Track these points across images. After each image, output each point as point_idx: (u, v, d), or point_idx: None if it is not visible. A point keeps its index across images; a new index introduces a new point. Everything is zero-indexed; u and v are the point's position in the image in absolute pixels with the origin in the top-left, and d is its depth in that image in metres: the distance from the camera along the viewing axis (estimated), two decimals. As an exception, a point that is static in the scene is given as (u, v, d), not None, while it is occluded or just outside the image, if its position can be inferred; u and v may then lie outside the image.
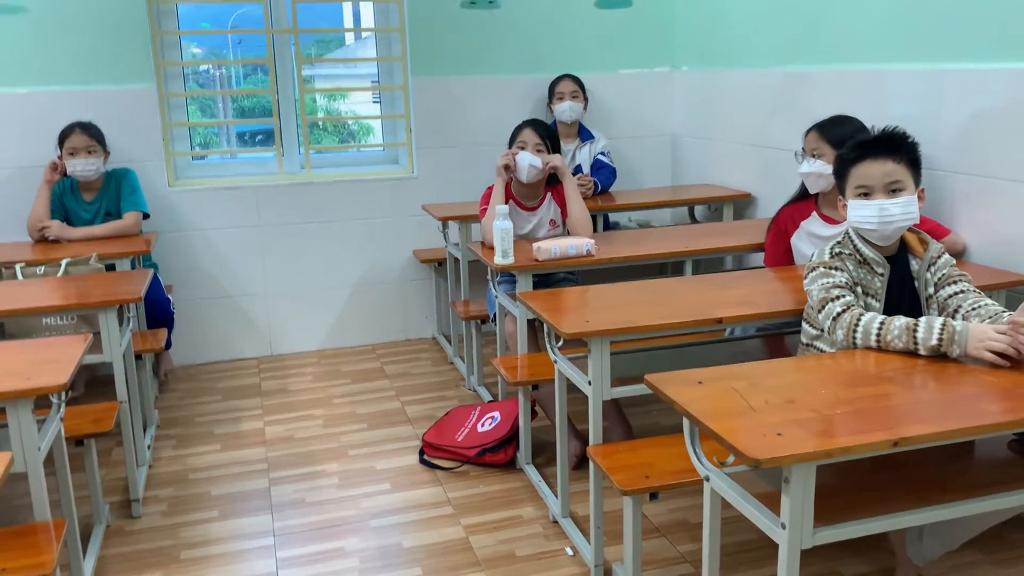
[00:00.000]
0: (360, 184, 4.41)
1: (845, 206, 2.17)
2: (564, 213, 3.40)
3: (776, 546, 1.59)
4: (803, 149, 2.92)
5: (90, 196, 3.78)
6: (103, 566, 2.57)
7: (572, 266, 3.09)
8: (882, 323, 1.96)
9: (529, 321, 3.04)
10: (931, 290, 2.14)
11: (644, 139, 4.74)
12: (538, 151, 3.30)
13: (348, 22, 5.25)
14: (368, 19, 4.75)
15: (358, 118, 5.86)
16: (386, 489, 2.99)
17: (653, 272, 3.83)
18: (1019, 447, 1.97)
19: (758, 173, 4.04)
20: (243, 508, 2.90)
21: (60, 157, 3.68)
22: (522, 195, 3.42)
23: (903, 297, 2.14)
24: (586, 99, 4.31)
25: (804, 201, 2.97)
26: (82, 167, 3.65)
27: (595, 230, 3.58)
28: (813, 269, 2.17)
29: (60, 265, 3.15)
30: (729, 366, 1.93)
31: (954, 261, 2.19)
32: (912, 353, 1.93)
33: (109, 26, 3.96)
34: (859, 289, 2.13)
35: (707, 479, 1.82)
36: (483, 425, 3.19)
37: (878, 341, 1.96)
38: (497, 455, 3.10)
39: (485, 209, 3.31)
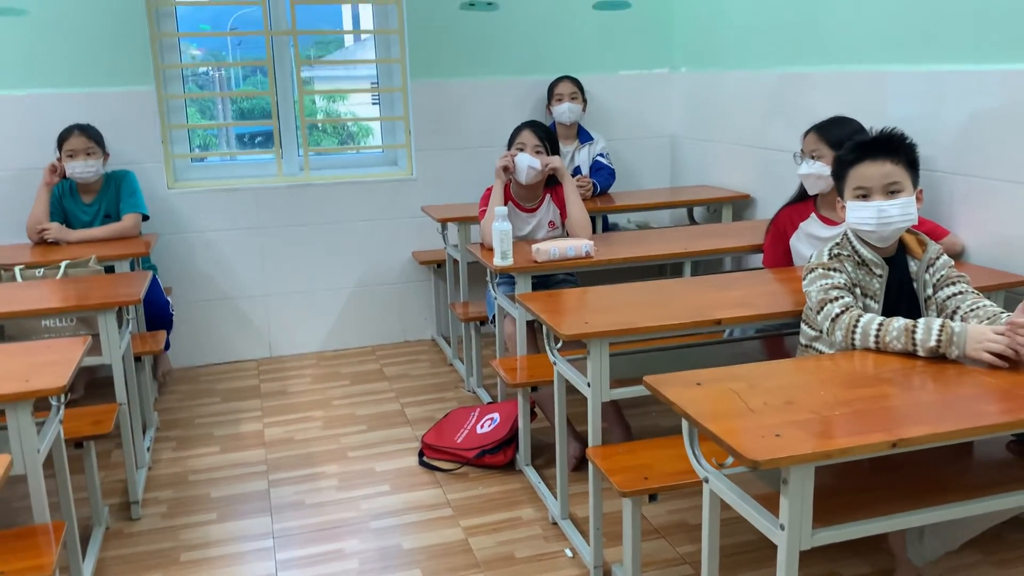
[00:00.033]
0: (359, 186, 4.42)
1: (843, 207, 2.17)
2: (563, 215, 3.40)
3: (775, 547, 1.59)
4: (802, 150, 2.93)
5: (89, 198, 3.78)
6: (102, 568, 2.57)
7: (571, 267, 3.09)
8: (881, 324, 1.96)
9: (528, 322, 3.04)
10: (930, 291, 2.15)
11: (643, 140, 4.75)
12: (537, 153, 3.30)
13: (347, 24, 5.26)
14: (367, 21, 4.75)
15: (357, 120, 5.86)
16: (385, 491, 2.99)
17: (652, 273, 3.83)
18: (1018, 448, 1.97)
19: (757, 174, 4.04)
20: (243, 510, 2.90)
21: (59, 159, 3.68)
22: (521, 197, 3.42)
23: (902, 298, 2.15)
24: (585, 101, 4.31)
25: (803, 202, 2.97)
26: (81, 169, 3.65)
27: (594, 231, 3.58)
28: (812, 270, 2.17)
29: (59, 267, 3.15)
30: (728, 367, 1.93)
31: (953, 262, 2.19)
32: (911, 354, 1.93)
33: (108, 28, 3.96)
34: (858, 290, 2.13)
35: (706, 480, 1.82)
36: (482, 427, 3.20)
37: (877, 342, 1.96)
38: (496, 457, 3.10)
39: (484, 211, 3.31)
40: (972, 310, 2.04)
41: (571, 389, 2.51)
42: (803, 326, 2.28)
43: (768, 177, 3.93)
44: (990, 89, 2.70)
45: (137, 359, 3.20)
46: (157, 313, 3.68)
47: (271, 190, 4.31)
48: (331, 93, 5.70)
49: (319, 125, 5.49)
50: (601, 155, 4.32)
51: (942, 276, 2.14)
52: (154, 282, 3.59)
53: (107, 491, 3.01)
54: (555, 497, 2.75)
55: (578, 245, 3.01)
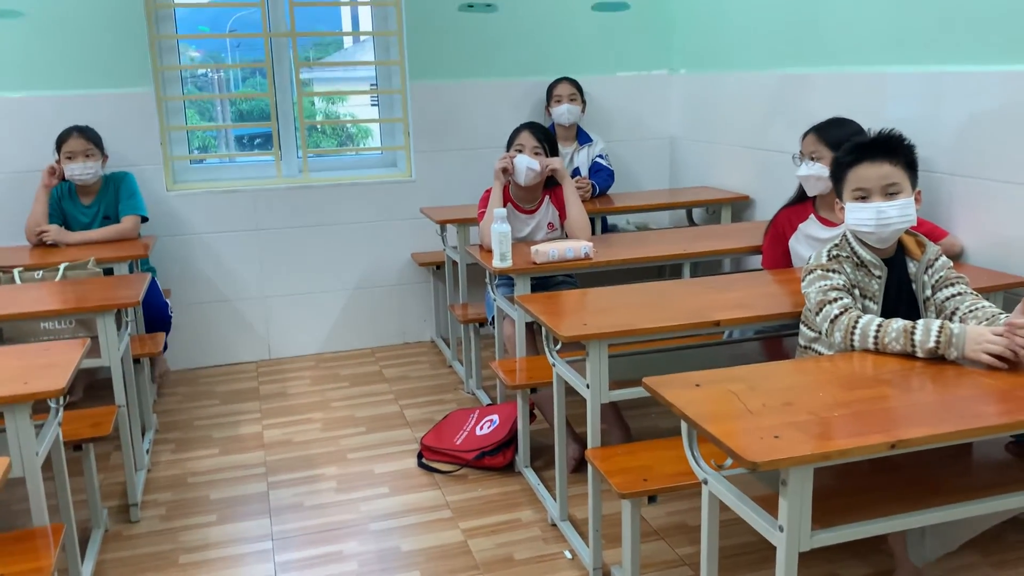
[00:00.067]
0: (358, 187, 4.42)
1: (842, 209, 2.17)
2: (562, 216, 3.41)
3: (774, 549, 1.59)
4: (801, 152, 2.93)
5: (88, 200, 3.78)
6: (101, 571, 2.56)
7: (570, 269, 3.09)
8: (880, 325, 1.96)
9: (527, 324, 3.04)
10: (928, 292, 2.15)
11: (642, 142, 4.75)
12: (536, 154, 3.31)
13: (346, 25, 5.26)
14: (366, 22, 4.75)
15: (356, 122, 5.86)
16: (385, 493, 2.99)
17: (651, 275, 3.83)
18: (1017, 449, 1.97)
19: (756, 176, 4.04)
20: (242, 512, 2.89)
21: (58, 161, 3.68)
22: (520, 198, 3.42)
23: (901, 299, 2.15)
24: (584, 102, 4.31)
25: (802, 204, 2.97)
26: (80, 171, 3.65)
27: (593, 233, 3.58)
28: (811, 272, 2.17)
29: (58, 269, 3.15)
30: (727, 369, 1.93)
31: (951, 263, 2.19)
32: (910, 355, 1.93)
33: (107, 30, 3.96)
34: (857, 291, 2.13)
35: (705, 482, 1.82)
36: (482, 428, 3.19)
37: (876, 343, 1.96)
38: (496, 458, 3.10)
39: (483, 212, 3.31)
40: (971, 311, 2.04)
41: (570, 391, 2.51)
42: (802, 327, 2.28)
43: (767, 178, 3.93)
44: (989, 90, 2.70)
45: (136, 361, 3.20)
46: (156, 315, 3.67)
47: (270, 192, 4.31)
48: (330, 95, 5.69)
49: (318, 127, 5.49)
50: (600, 156, 4.33)
51: (941, 277, 2.14)
52: (153, 284, 3.58)
53: (106, 493, 3.01)
54: (554, 499, 2.75)
55: (577, 246, 3.01)
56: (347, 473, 3.15)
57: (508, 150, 3.37)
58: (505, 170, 3.30)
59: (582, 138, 4.34)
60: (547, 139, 3.36)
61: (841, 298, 2.07)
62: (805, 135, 2.93)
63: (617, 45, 4.60)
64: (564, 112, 4.23)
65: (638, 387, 1.91)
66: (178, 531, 2.78)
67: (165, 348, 3.84)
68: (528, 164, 3.27)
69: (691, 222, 4.49)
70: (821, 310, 2.08)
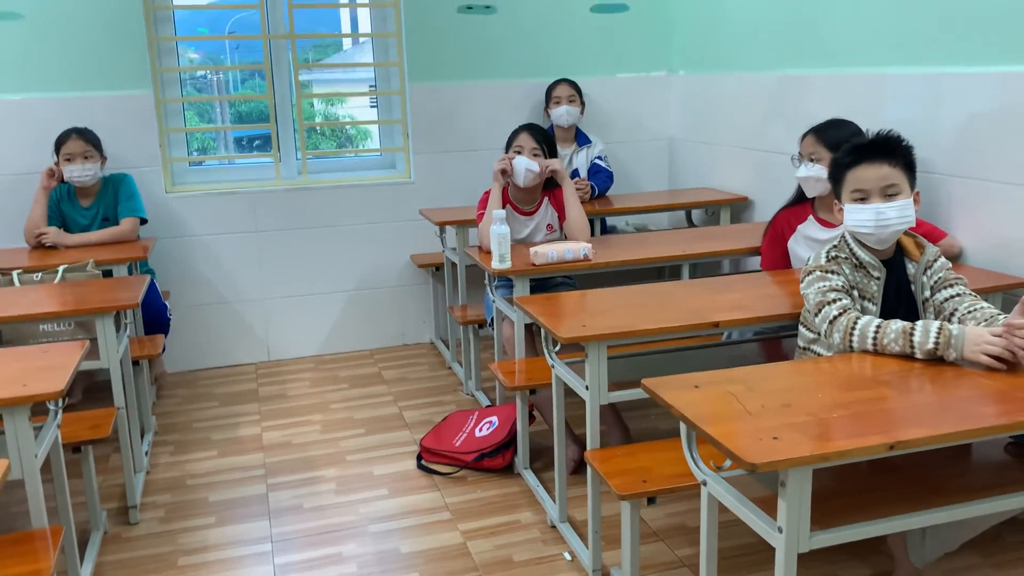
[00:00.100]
0: (357, 189, 4.42)
1: (841, 210, 2.17)
2: (561, 217, 3.41)
3: (774, 550, 1.59)
4: (800, 153, 2.93)
5: (87, 202, 3.78)
6: (100, 573, 2.56)
7: (569, 270, 3.09)
8: (878, 327, 1.96)
9: (527, 325, 3.04)
10: (927, 293, 2.15)
11: (641, 143, 4.75)
12: (535, 155, 3.31)
13: (345, 27, 5.25)
14: (365, 24, 4.75)
15: (355, 123, 5.86)
16: (384, 494, 2.99)
17: (650, 276, 3.83)
18: (1016, 450, 1.97)
19: (755, 177, 4.04)
20: (241, 514, 2.89)
21: (57, 163, 3.68)
22: (519, 199, 3.42)
23: (899, 300, 2.15)
24: (583, 103, 4.31)
25: (801, 205, 2.97)
26: (79, 173, 3.65)
27: (592, 234, 3.58)
28: (809, 273, 2.17)
29: (57, 271, 3.15)
30: (726, 370, 1.92)
31: (950, 264, 2.19)
32: (909, 356, 1.93)
33: (106, 32, 3.96)
34: (855, 293, 2.13)
35: (704, 483, 1.82)
36: (481, 430, 3.19)
37: (875, 345, 1.96)
38: (495, 460, 3.10)
39: (482, 214, 3.31)
40: (969, 312, 2.04)
41: (569, 392, 2.50)
42: (801, 328, 2.28)
43: (766, 180, 3.93)
44: (988, 91, 2.71)
45: (135, 363, 3.20)
46: (155, 317, 3.67)
47: (269, 193, 4.31)
48: (329, 96, 5.69)
49: (317, 128, 5.49)
50: (599, 158, 4.33)
51: (940, 278, 2.14)
52: (152, 286, 3.59)
53: (105, 495, 3.01)
54: (553, 500, 2.75)
55: (576, 248, 3.01)
56: (346, 475, 3.15)
57: (507, 152, 3.37)
58: (504, 172, 3.30)
59: (581, 140, 4.35)
60: (546, 141, 3.36)
61: (840, 299, 2.07)
62: (804, 136, 2.93)
63: (616, 46, 4.60)
64: (563, 114, 4.23)
65: (637, 388, 1.91)
66: (177, 533, 2.78)
67: (163, 350, 3.83)
68: (527, 165, 3.27)
69: (690, 223, 4.49)
70: (820, 311, 2.08)
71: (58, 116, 3.83)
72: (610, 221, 4.40)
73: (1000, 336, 1.83)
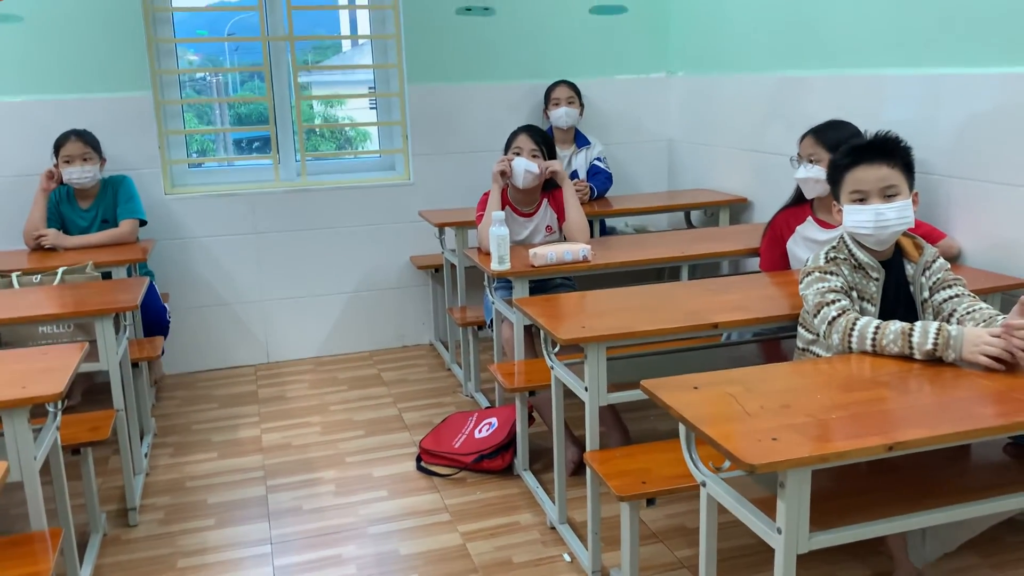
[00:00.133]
0: (357, 191, 4.42)
1: (840, 211, 2.17)
2: (560, 218, 3.41)
3: (773, 551, 1.59)
4: (799, 154, 2.93)
5: (86, 204, 3.78)
6: (100, 575, 2.56)
7: (569, 272, 3.09)
8: (877, 328, 1.96)
9: (526, 327, 3.04)
10: (926, 294, 2.15)
11: (640, 144, 4.75)
12: (534, 157, 3.31)
13: (344, 29, 5.25)
14: (364, 26, 4.75)
15: (354, 125, 5.86)
16: (383, 496, 2.99)
17: (650, 277, 3.83)
18: (1015, 450, 1.97)
19: (754, 178, 4.04)
20: (240, 516, 2.89)
21: (56, 165, 3.68)
22: (518, 201, 3.42)
23: (898, 301, 2.15)
24: (582, 105, 4.32)
25: (800, 206, 2.97)
26: (78, 175, 3.65)
27: (592, 235, 3.58)
28: (808, 274, 2.17)
29: (56, 273, 3.15)
30: (725, 371, 1.92)
31: (949, 265, 2.19)
32: (907, 357, 1.93)
33: (105, 34, 3.96)
34: (854, 294, 2.13)
35: (703, 484, 1.82)
36: (480, 431, 3.19)
37: (873, 345, 1.97)
38: (494, 461, 3.10)
39: (481, 215, 3.31)
40: (968, 313, 2.04)
41: (569, 393, 2.51)
42: (800, 329, 2.28)
43: (765, 181, 3.94)
44: (987, 92, 2.71)
45: (134, 365, 3.20)
46: (154, 319, 3.67)
47: (268, 195, 4.31)
48: (328, 98, 5.69)
49: (316, 130, 5.49)
50: (598, 159, 4.33)
51: (938, 279, 2.14)
52: (151, 288, 3.59)
53: (104, 498, 3.01)
54: (553, 502, 2.75)
55: (575, 249, 3.01)
56: (346, 477, 3.14)
57: (506, 153, 3.38)
58: (503, 173, 3.30)
59: (580, 141, 4.35)
60: (545, 142, 3.36)
61: (839, 300, 2.07)
62: (803, 137, 2.93)
63: (615, 48, 4.60)
64: (562, 115, 4.23)
65: (636, 390, 1.91)
66: (176, 535, 2.78)
67: (162, 353, 3.83)
68: (526, 167, 3.27)
69: (689, 224, 4.49)
70: (819, 312, 2.08)
71: (57, 118, 3.83)
72: (609, 222, 4.40)
73: (999, 337, 1.83)
